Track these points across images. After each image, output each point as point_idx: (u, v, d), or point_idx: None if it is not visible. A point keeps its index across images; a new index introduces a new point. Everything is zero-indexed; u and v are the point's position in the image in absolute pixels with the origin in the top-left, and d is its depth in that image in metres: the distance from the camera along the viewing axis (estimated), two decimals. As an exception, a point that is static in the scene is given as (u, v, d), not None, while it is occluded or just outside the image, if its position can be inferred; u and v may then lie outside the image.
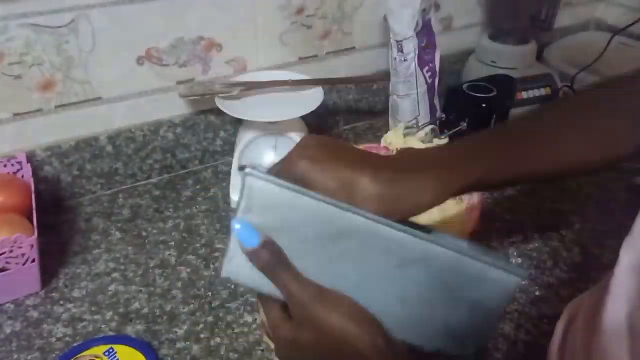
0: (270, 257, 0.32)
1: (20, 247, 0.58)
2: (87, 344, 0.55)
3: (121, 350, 0.54)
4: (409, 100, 0.84)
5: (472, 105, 0.76)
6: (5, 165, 0.70)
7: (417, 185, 0.36)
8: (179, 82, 0.79)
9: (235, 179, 0.75)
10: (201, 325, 0.59)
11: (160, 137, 0.80)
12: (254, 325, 0.59)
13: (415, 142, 0.69)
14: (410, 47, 0.79)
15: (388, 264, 0.32)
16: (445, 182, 0.37)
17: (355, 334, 0.31)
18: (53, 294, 0.63)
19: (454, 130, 0.75)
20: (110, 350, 0.54)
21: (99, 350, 0.54)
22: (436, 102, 0.88)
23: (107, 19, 0.69)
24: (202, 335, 0.58)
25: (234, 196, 0.75)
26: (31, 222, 0.62)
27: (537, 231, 0.73)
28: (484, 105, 0.75)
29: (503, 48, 0.96)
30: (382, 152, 0.78)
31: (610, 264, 0.62)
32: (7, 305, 0.61)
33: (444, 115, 0.78)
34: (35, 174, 0.71)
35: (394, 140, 0.70)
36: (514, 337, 0.58)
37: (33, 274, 0.61)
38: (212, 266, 0.66)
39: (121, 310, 0.61)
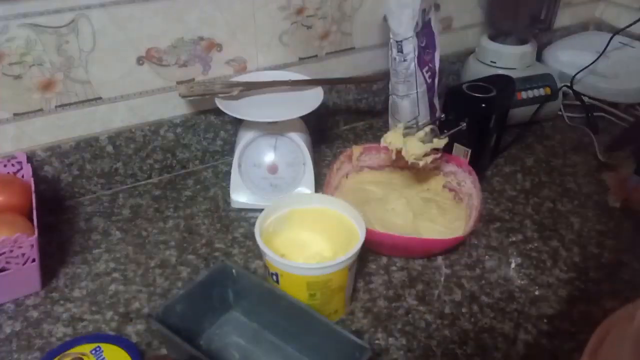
0: None
1: (20, 247, 0.58)
2: (75, 342, 0.55)
3: (108, 349, 0.54)
4: (408, 100, 0.84)
5: (472, 105, 0.76)
6: (5, 165, 0.70)
7: None
8: (179, 82, 0.79)
9: (235, 178, 0.75)
10: (201, 325, 0.59)
11: (160, 137, 0.81)
12: (254, 325, 0.59)
13: (415, 142, 0.69)
14: (410, 47, 0.79)
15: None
16: None
17: None
18: (53, 294, 0.63)
19: (454, 130, 0.75)
20: (97, 349, 0.54)
21: (86, 348, 0.54)
22: (436, 102, 0.89)
23: (107, 19, 0.70)
24: (202, 335, 0.58)
25: (235, 196, 0.75)
26: (31, 222, 0.63)
27: (536, 231, 0.73)
28: (483, 105, 0.75)
29: (503, 48, 0.96)
30: (382, 153, 0.78)
31: (609, 264, 0.62)
32: (7, 305, 0.61)
33: (443, 115, 0.78)
34: (35, 174, 0.71)
35: (393, 140, 0.70)
36: (513, 337, 0.58)
37: (33, 273, 0.62)
38: (212, 266, 0.66)
39: (121, 310, 0.61)
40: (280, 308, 0.55)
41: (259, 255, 0.68)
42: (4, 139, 0.71)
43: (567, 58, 1.05)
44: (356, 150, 0.78)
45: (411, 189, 0.78)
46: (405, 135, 0.71)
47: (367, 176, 0.80)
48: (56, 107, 0.72)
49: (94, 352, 0.53)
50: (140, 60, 0.75)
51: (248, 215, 0.76)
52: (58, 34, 0.68)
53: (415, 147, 0.69)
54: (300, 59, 0.88)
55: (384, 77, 0.89)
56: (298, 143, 0.73)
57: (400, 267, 0.67)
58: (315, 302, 0.56)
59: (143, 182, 0.82)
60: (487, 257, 0.69)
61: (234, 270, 0.58)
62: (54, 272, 0.66)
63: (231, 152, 0.85)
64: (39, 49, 0.67)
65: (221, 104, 0.72)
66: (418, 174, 0.79)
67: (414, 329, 0.59)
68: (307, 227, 0.62)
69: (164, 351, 0.56)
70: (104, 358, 0.53)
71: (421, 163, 0.70)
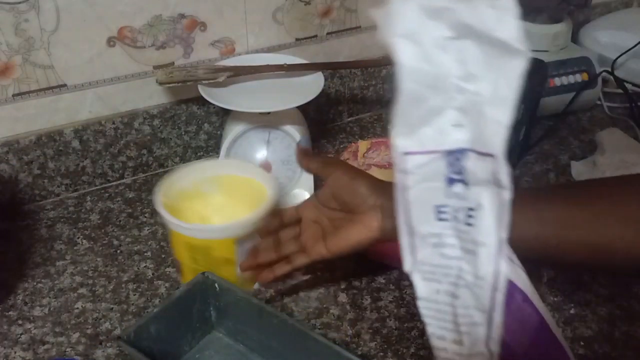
0: None
1: (-28, 258, 0.59)
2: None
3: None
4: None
5: (497, 94, 0.76)
6: (-46, 163, 0.70)
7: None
8: (157, 67, 0.79)
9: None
10: (182, 349, 0.59)
11: (134, 131, 0.81)
12: (243, 349, 0.59)
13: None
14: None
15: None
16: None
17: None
18: (10, 313, 0.63)
19: (476, 122, 0.75)
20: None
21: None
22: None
23: (73, -6, 0.70)
24: None
25: (220, 199, 0.76)
26: (-15, 229, 0.63)
27: (572, 240, 0.73)
28: (510, 93, 0.75)
29: (532, 27, 0.96)
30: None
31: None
32: (-44, 325, 0.61)
33: (463, 106, 0.78)
34: (-11, 173, 0.71)
35: (405, 134, 0.70)
36: (545, 363, 0.58)
37: (-13, 289, 0.62)
38: (192, 279, 0.66)
39: (89, 331, 0.61)
40: (272, 327, 0.55)
41: (250, 267, 0.68)
42: (-47, 133, 0.71)
43: (607, 39, 1.05)
44: (362, 145, 0.78)
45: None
46: (419, 128, 0.71)
47: (375, 176, 0.80)
48: (14, 95, 0.72)
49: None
50: (111, 41, 0.75)
51: (236, 222, 0.76)
52: (16, 11, 0.68)
53: (430, 142, 0.69)
54: (297, 39, 0.88)
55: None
56: (294, 137, 0.73)
57: (414, 282, 0.67)
58: (198, 268, 0.60)
59: (114, 183, 0.82)
60: (514, 269, 0.69)
61: (216, 284, 0.58)
62: (11, 288, 0.66)
63: (217, 148, 0.85)
64: (-6, 28, 0.68)
65: (205, 92, 0.72)
66: (434, 173, 0.79)
67: (429, 354, 0.59)
68: (229, 195, 0.66)
69: None
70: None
71: (438, 160, 0.70)
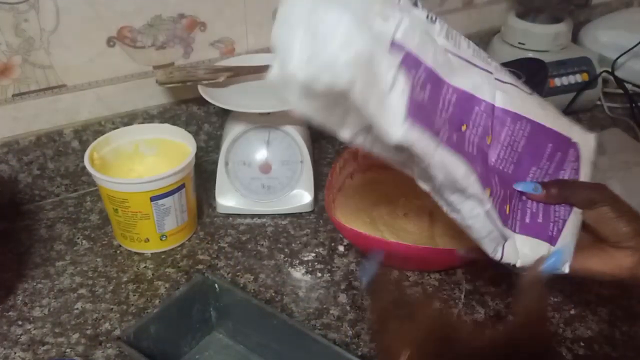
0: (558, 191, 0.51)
1: (-29, 259, 0.59)
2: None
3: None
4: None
5: (497, 94, 0.76)
6: (-46, 164, 0.70)
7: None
8: (157, 67, 0.79)
9: (222, 179, 0.75)
10: (182, 349, 0.59)
11: (134, 131, 0.81)
12: (243, 349, 0.59)
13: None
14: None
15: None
16: None
17: None
18: (10, 313, 0.63)
19: (476, 122, 0.75)
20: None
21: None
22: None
23: (72, -6, 0.70)
24: (183, 361, 0.58)
25: (221, 199, 0.76)
26: (-15, 229, 0.63)
27: (572, 240, 0.73)
28: (510, 93, 0.75)
29: (533, 27, 0.96)
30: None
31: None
32: (-44, 326, 0.61)
33: (464, 106, 0.78)
34: (-11, 173, 0.71)
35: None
36: (545, 363, 0.58)
37: (-13, 289, 0.62)
38: (191, 280, 0.66)
39: (89, 331, 0.61)
40: (271, 328, 0.55)
41: (249, 268, 0.68)
42: (-47, 133, 0.71)
43: (608, 39, 1.05)
44: (362, 146, 0.78)
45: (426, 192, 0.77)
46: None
47: (376, 176, 0.80)
48: (13, 96, 0.72)
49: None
50: (111, 42, 0.75)
51: (237, 222, 0.76)
52: (16, 11, 0.68)
53: (430, 143, 0.69)
54: (297, 40, 0.87)
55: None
56: (294, 137, 0.73)
57: (414, 282, 0.67)
58: (119, 220, 0.68)
59: (114, 183, 0.83)
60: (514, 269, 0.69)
61: (216, 285, 0.58)
62: (10, 288, 0.66)
63: (217, 148, 0.85)
64: (-6, 29, 0.68)
65: (205, 92, 0.72)
66: (434, 173, 0.79)
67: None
68: (164, 156, 0.73)
69: None
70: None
71: (438, 161, 0.70)
